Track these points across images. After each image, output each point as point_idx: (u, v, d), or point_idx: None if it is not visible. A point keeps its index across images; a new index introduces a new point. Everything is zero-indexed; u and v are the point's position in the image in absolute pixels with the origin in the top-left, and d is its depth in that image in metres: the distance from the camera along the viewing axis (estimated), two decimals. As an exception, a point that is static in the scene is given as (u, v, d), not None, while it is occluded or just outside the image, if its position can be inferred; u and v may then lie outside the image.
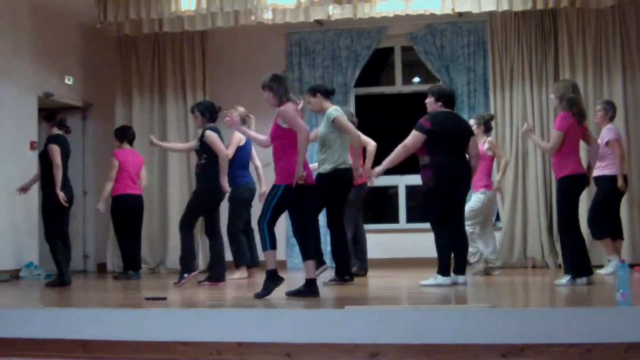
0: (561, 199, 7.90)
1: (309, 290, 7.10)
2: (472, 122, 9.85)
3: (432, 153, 8.03)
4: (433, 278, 8.01)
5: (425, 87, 11.81)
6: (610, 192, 9.38)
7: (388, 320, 5.60)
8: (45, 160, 9.22)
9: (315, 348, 5.53)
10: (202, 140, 8.93)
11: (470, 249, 9.68)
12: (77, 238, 12.11)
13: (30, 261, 10.72)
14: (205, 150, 8.92)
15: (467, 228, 9.15)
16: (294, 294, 7.09)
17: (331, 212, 8.68)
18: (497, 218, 11.58)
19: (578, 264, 7.80)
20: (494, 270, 9.66)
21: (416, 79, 13.04)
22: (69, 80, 11.97)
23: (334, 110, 8.60)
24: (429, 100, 8.24)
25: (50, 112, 9.71)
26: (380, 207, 13.15)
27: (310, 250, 7.20)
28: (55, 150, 9.15)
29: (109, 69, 12.45)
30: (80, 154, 12.23)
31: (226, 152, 9.00)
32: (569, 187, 7.83)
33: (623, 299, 5.69)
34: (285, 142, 7.10)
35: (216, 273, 9.01)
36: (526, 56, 11.44)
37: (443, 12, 10.58)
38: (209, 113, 9.08)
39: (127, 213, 10.59)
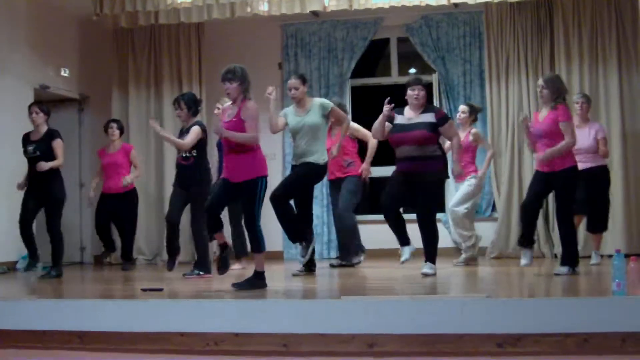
0: (567, 189, 7.94)
1: (258, 281, 7.17)
2: (464, 108, 9.89)
3: (438, 144, 8.31)
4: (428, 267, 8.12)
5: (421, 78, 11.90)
6: (607, 183, 9.50)
7: (385, 311, 5.62)
8: (50, 153, 9.28)
9: (313, 338, 5.55)
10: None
11: (466, 233, 9.76)
12: (74, 230, 12.12)
13: (27, 253, 10.70)
14: (198, 145, 8.93)
15: (462, 210, 9.65)
16: (242, 286, 7.10)
17: (310, 201, 8.88)
18: (494, 208, 11.60)
19: (577, 254, 8.01)
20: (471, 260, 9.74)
21: (412, 70, 13.02)
22: (65, 73, 11.95)
23: (327, 101, 8.84)
24: (423, 94, 8.28)
25: (40, 102, 9.75)
26: (377, 198, 13.12)
27: (261, 243, 7.22)
28: (62, 146, 9.30)
29: (105, 61, 12.43)
30: (76, 146, 12.24)
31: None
32: (574, 177, 7.95)
33: (619, 289, 5.71)
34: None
35: (203, 265, 9.04)
36: (522, 47, 11.42)
37: (439, 3, 10.55)
38: (194, 106, 9.11)
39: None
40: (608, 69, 11.08)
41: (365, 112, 11.44)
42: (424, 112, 8.23)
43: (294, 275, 8.66)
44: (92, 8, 10.81)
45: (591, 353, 5.21)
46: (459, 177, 8.79)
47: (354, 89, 12.47)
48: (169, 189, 11.56)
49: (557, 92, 8.00)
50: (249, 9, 10.83)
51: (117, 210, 10.72)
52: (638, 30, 10.81)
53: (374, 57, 13.05)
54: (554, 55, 11.31)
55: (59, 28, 11.95)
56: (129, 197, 10.74)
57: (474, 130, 9.87)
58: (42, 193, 9.30)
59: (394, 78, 12.55)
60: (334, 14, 11.51)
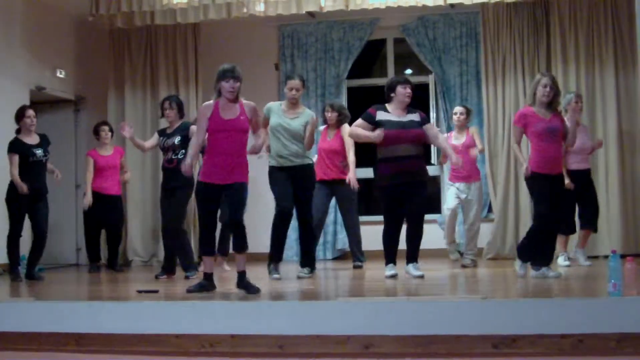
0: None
1: (210, 283, 7.18)
2: (461, 109, 9.86)
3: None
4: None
5: (417, 79, 11.93)
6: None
7: (381, 312, 5.61)
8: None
9: (308, 340, 5.54)
10: (185, 136, 8.92)
11: (475, 250, 9.78)
12: (69, 231, 12.12)
13: (22, 255, 10.68)
14: (187, 146, 8.90)
15: (479, 224, 9.76)
16: (194, 290, 7.12)
17: (310, 203, 8.81)
18: (490, 209, 11.59)
19: None
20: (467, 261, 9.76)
21: (408, 71, 13.01)
22: (61, 74, 11.93)
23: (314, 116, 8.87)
24: (412, 93, 8.26)
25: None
26: (377, 199, 13.12)
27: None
28: None
29: (101, 62, 12.41)
30: (72, 148, 12.23)
31: None
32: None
33: (615, 290, 5.72)
34: (247, 137, 7.18)
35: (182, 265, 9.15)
36: (518, 47, 11.42)
37: (435, 3, 10.54)
38: (182, 108, 9.21)
39: None
40: (604, 69, 11.08)
41: (361, 112, 11.42)
42: (409, 112, 8.23)
43: (299, 277, 8.61)
44: (88, 8, 10.79)
45: (587, 354, 5.21)
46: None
47: (350, 90, 12.45)
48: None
49: (559, 93, 7.96)
50: (245, 10, 10.81)
51: (107, 212, 10.66)
52: (634, 30, 10.79)
53: (370, 57, 13.04)
54: (550, 56, 11.31)
55: (55, 29, 11.94)
56: (120, 201, 10.78)
57: (472, 128, 9.90)
58: (36, 189, 9.37)
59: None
60: (330, 15, 11.49)
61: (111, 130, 10.84)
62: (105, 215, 10.64)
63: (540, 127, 7.76)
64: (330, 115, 9.81)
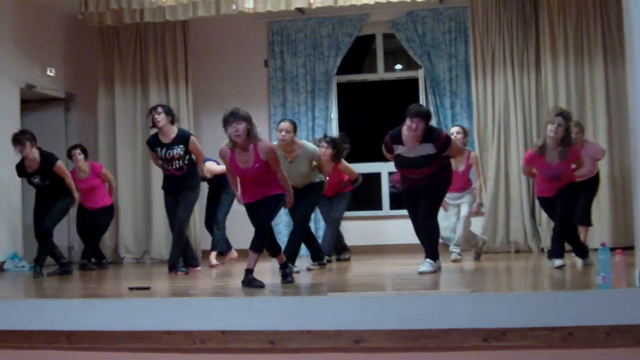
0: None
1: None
2: (457, 129, 9.65)
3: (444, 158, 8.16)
4: (429, 264, 8.03)
5: (407, 74, 11.98)
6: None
7: (371, 307, 5.63)
8: (55, 179, 9.50)
9: (299, 335, 5.56)
10: (187, 149, 9.12)
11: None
12: (62, 230, 12.04)
13: (14, 253, 10.70)
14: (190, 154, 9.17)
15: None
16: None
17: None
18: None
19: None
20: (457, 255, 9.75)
21: (398, 66, 13.04)
22: (51, 72, 11.90)
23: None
24: (422, 127, 7.80)
25: (24, 132, 9.55)
26: (364, 194, 13.15)
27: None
28: (62, 166, 9.68)
29: (91, 59, 12.39)
30: (63, 146, 12.18)
31: None
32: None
33: (604, 282, 5.74)
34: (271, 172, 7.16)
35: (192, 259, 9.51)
36: (507, 42, 11.44)
37: (424, -2, 10.59)
38: (171, 112, 9.28)
39: None
40: (593, 63, 11.10)
41: (351, 108, 11.47)
42: (423, 141, 7.86)
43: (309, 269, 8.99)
44: (77, 6, 10.79)
45: (576, 346, 5.24)
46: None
47: (340, 86, 12.44)
48: (156, 187, 11.59)
49: (569, 135, 8.00)
50: (234, 7, 10.79)
51: (94, 222, 10.60)
52: (623, 23, 10.83)
53: (360, 53, 13.06)
54: (539, 50, 11.34)
55: (45, 27, 11.91)
56: (108, 212, 10.71)
57: (473, 154, 9.76)
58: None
59: (381, 74, 12.56)
60: (320, 11, 11.50)
61: (83, 151, 10.54)
62: (91, 225, 10.59)
63: (545, 172, 8.09)
64: (325, 150, 9.43)
